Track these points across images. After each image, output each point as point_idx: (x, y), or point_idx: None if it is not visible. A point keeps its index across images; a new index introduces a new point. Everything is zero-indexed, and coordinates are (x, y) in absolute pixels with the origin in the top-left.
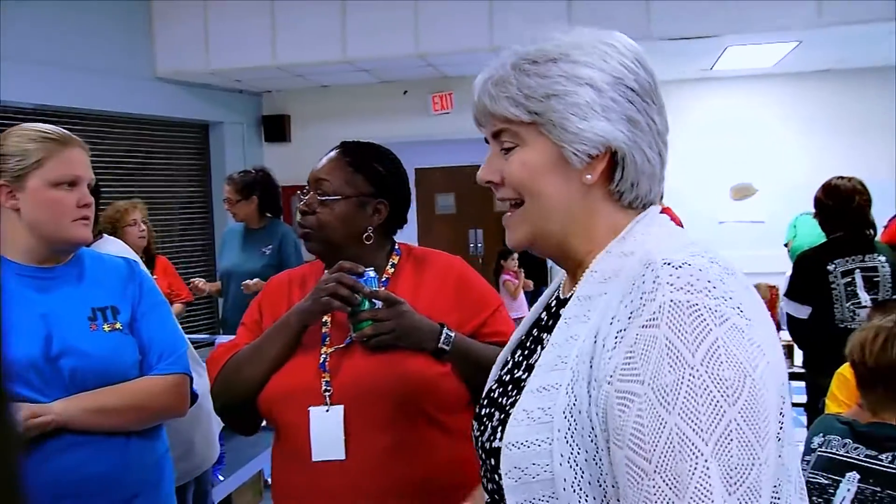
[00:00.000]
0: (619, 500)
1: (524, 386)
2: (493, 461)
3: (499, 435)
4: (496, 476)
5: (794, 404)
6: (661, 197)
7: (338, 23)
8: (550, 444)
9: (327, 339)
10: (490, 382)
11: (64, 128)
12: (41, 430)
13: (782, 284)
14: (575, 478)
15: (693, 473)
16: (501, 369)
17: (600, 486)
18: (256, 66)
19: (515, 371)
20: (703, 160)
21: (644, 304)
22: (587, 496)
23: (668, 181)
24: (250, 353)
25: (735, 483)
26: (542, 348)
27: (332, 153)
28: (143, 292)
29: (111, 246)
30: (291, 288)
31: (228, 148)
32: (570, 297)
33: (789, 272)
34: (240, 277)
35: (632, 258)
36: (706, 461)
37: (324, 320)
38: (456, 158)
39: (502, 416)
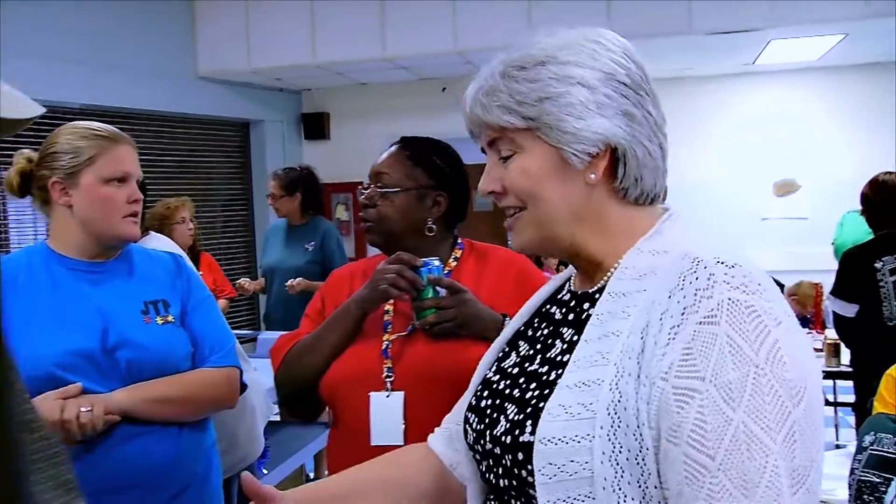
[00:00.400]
0: (662, 502)
1: (549, 380)
2: (516, 455)
3: (528, 429)
4: (517, 471)
5: (841, 404)
6: (666, 192)
7: (377, 20)
8: (591, 440)
9: (389, 326)
10: (484, 374)
11: None
12: (109, 424)
13: (827, 282)
14: (615, 476)
15: (763, 472)
16: (502, 361)
17: (640, 486)
18: (297, 65)
19: (527, 364)
20: (745, 156)
21: (699, 301)
22: (626, 496)
23: (708, 177)
24: (311, 341)
25: (797, 484)
26: (565, 343)
27: (393, 147)
28: (191, 287)
29: (157, 242)
30: (354, 280)
31: (269, 146)
32: (593, 292)
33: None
34: (283, 274)
35: (667, 256)
36: (776, 460)
37: (386, 308)
38: None
39: (527, 409)
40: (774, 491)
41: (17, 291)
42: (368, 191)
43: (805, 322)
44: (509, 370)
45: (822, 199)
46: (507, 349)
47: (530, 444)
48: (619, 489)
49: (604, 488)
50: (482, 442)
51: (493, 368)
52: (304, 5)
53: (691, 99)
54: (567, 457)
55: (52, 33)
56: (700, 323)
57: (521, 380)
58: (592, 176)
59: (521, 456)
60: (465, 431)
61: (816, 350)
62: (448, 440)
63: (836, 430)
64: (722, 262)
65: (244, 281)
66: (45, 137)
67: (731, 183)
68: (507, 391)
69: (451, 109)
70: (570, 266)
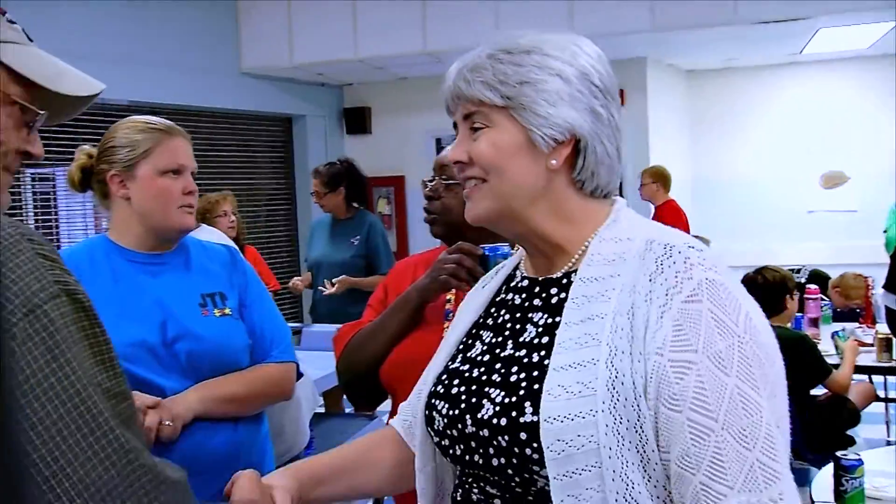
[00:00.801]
0: (659, 464)
1: (533, 362)
2: (516, 435)
3: (528, 410)
4: (517, 450)
5: (893, 400)
6: (620, 189)
7: (418, 15)
8: (595, 415)
9: (450, 314)
10: (445, 362)
11: None
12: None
13: (876, 276)
14: (618, 445)
15: (759, 426)
16: (466, 352)
17: (639, 451)
18: (338, 60)
19: (499, 350)
20: (791, 147)
21: (681, 282)
22: (628, 462)
23: (753, 169)
24: (372, 329)
25: (781, 429)
26: (538, 327)
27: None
28: (247, 280)
29: (207, 234)
30: (417, 270)
31: (311, 140)
32: (559, 278)
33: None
34: (329, 268)
35: (631, 243)
36: (767, 414)
37: (448, 297)
38: None
39: (519, 392)
40: (770, 441)
41: (81, 283)
42: (433, 183)
43: (854, 315)
44: (478, 358)
45: (872, 191)
46: (467, 340)
47: (534, 424)
48: (622, 456)
49: (609, 457)
50: (459, 426)
51: (459, 359)
52: (346, 3)
53: (736, 90)
54: (574, 432)
55: (102, 33)
56: (685, 301)
57: (498, 365)
58: (554, 161)
59: (523, 436)
60: (431, 419)
61: (867, 345)
62: (407, 430)
63: (888, 427)
64: (692, 247)
65: (297, 281)
66: (99, 133)
67: (776, 175)
68: (485, 377)
69: None
70: (518, 251)
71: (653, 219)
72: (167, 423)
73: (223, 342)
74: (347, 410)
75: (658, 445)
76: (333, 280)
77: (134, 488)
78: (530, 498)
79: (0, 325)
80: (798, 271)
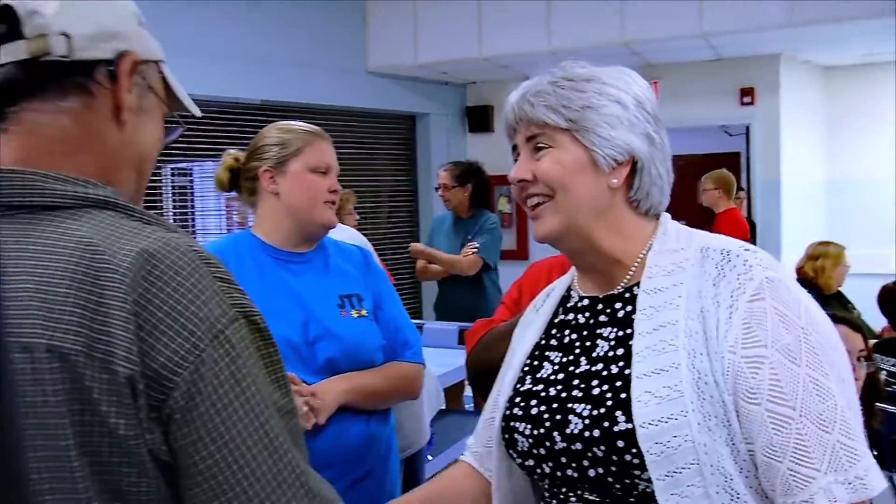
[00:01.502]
0: (750, 453)
1: (613, 374)
2: (612, 444)
3: (621, 419)
4: (616, 457)
5: None
6: (749, 191)
7: (543, 13)
8: (686, 415)
9: None
10: (514, 385)
11: (285, 121)
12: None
13: None
14: (711, 441)
15: (835, 410)
16: (535, 373)
17: (728, 444)
18: (462, 59)
19: (573, 368)
20: None
21: (744, 284)
22: (721, 455)
23: (891, 171)
24: (507, 329)
25: (853, 410)
26: (610, 341)
27: None
28: (380, 282)
29: (343, 232)
30: (552, 272)
31: (434, 138)
32: (621, 293)
33: None
34: None
35: (685, 252)
36: (838, 398)
37: None
38: None
39: (606, 403)
40: (846, 423)
41: None
42: None
43: None
44: (551, 377)
45: None
46: (532, 362)
47: (630, 431)
48: (716, 451)
49: (705, 453)
50: (547, 444)
51: (528, 380)
52: (471, 2)
53: (877, 87)
54: (669, 434)
55: (234, 34)
56: (749, 301)
57: (576, 381)
58: (615, 181)
59: (620, 443)
60: (512, 441)
61: None
62: (480, 461)
63: None
64: (747, 250)
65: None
66: (232, 130)
67: None
68: (564, 394)
69: None
70: (567, 273)
71: (712, 226)
72: (312, 421)
73: (361, 343)
74: (467, 407)
75: (744, 437)
76: (411, 246)
77: None
78: (632, 499)
79: (192, 351)
80: None
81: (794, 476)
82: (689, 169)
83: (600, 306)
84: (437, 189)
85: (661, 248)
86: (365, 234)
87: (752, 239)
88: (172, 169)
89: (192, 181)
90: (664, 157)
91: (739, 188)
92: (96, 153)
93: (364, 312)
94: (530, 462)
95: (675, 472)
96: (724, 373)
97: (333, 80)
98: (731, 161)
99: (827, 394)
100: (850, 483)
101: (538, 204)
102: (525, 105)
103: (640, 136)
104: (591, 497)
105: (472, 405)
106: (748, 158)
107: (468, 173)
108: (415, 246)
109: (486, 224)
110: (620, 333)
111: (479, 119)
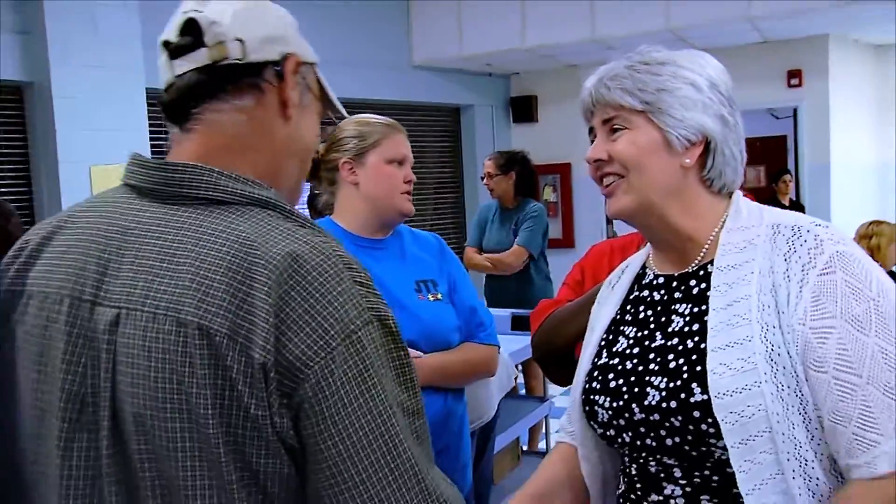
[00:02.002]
0: (819, 420)
1: (689, 348)
2: (689, 414)
3: (697, 390)
4: (693, 427)
5: None
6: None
7: (586, 2)
8: (759, 385)
9: None
10: (598, 362)
11: (331, 116)
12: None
13: None
14: (783, 409)
15: None
16: (611, 347)
17: (800, 413)
18: (506, 50)
19: (648, 342)
20: None
21: (815, 258)
22: (793, 424)
23: None
24: (570, 311)
25: None
26: (685, 317)
27: None
28: (455, 268)
29: None
30: (613, 255)
31: (478, 129)
32: (695, 271)
33: None
34: (488, 253)
35: (756, 229)
36: None
37: None
38: None
39: (683, 375)
40: None
41: None
42: None
43: None
44: (626, 351)
45: None
46: (608, 336)
47: (706, 402)
48: (788, 419)
49: (777, 422)
50: (626, 415)
51: (605, 354)
52: None
53: None
54: (744, 403)
55: None
56: (820, 275)
57: (652, 355)
58: (688, 161)
59: (696, 413)
60: (593, 413)
61: None
62: (574, 439)
63: None
64: (818, 225)
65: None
66: None
67: None
68: (640, 367)
69: None
70: (641, 251)
71: None
72: None
73: (438, 324)
74: (521, 392)
75: (815, 406)
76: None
77: None
78: (708, 465)
79: (325, 347)
80: None
81: (859, 440)
82: None
83: (675, 283)
84: (482, 178)
85: (734, 225)
86: (412, 226)
87: None
88: None
89: None
90: (738, 137)
91: (786, 171)
92: (266, 148)
93: (439, 296)
94: (611, 432)
95: (748, 439)
96: (794, 344)
97: (380, 75)
98: (778, 144)
99: (894, 360)
100: None
101: (612, 182)
102: (602, 88)
103: (714, 118)
104: (669, 461)
105: (525, 391)
106: (795, 141)
107: (512, 161)
108: (470, 257)
109: (530, 212)
110: (695, 310)
111: (523, 109)
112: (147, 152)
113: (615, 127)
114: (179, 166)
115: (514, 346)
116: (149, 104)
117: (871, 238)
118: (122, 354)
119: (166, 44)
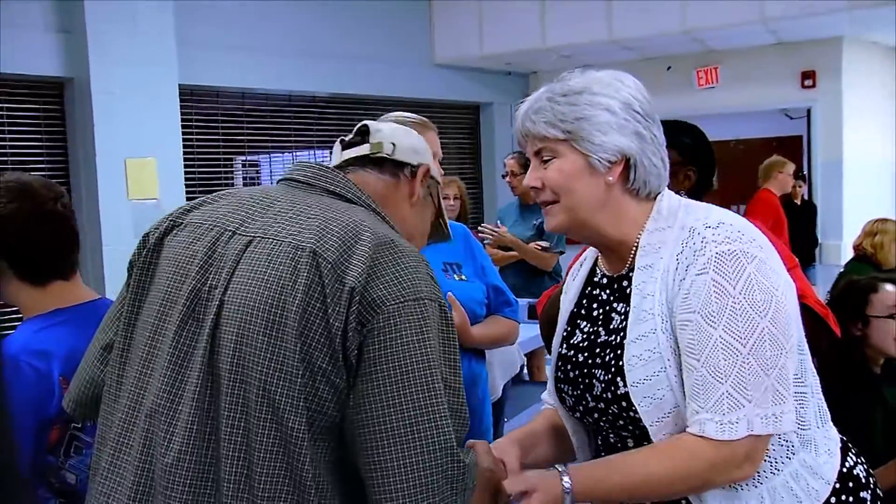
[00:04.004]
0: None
1: (618, 343)
2: (620, 403)
3: (620, 383)
4: (625, 414)
5: None
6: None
7: (604, 4)
8: (665, 371)
9: None
10: (561, 351)
11: (354, 113)
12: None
13: None
14: (680, 389)
15: (733, 366)
16: (569, 339)
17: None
18: (526, 49)
19: (595, 337)
20: None
21: (696, 259)
22: (685, 398)
23: None
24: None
25: (770, 368)
26: (622, 315)
27: None
28: (481, 254)
29: None
30: None
31: (497, 127)
32: (627, 273)
33: None
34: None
35: (671, 230)
36: (744, 357)
37: None
38: (720, 132)
39: (612, 370)
40: (742, 378)
41: None
42: None
43: None
44: (580, 344)
45: None
46: (568, 328)
47: (627, 394)
48: (682, 394)
49: (681, 398)
50: (584, 403)
51: (565, 346)
52: None
53: None
54: (655, 387)
55: (311, 31)
56: (697, 274)
57: (597, 350)
58: (611, 178)
59: (624, 403)
60: (562, 399)
61: None
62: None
63: None
64: (708, 226)
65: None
66: (305, 123)
67: None
68: (590, 360)
69: (676, 88)
70: (590, 249)
71: (745, 211)
72: None
73: (467, 298)
74: (526, 380)
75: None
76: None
77: (446, 477)
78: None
79: (398, 298)
80: None
81: (690, 410)
82: (749, 153)
83: (615, 285)
84: (503, 176)
85: (653, 227)
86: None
87: (813, 222)
88: (243, 161)
89: (259, 173)
90: (656, 148)
91: (800, 175)
92: (394, 212)
93: (464, 277)
94: (577, 415)
95: (663, 417)
96: (673, 332)
97: (401, 73)
98: (793, 144)
99: (732, 352)
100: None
101: (547, 205)
102: (528, 122)
103: (630, 136)
104: (623, 433)
105: (529, 377)
106: (809, 142)
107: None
108: (501, 233)
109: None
110: (627, 308)
111: None
112: (179, 145)
113: (544, 158)
114: (330, 169)
115: (526, 336)
116: (181, 99)
117: (876, 235)
118: (240, 272)
119: (342, 140)
